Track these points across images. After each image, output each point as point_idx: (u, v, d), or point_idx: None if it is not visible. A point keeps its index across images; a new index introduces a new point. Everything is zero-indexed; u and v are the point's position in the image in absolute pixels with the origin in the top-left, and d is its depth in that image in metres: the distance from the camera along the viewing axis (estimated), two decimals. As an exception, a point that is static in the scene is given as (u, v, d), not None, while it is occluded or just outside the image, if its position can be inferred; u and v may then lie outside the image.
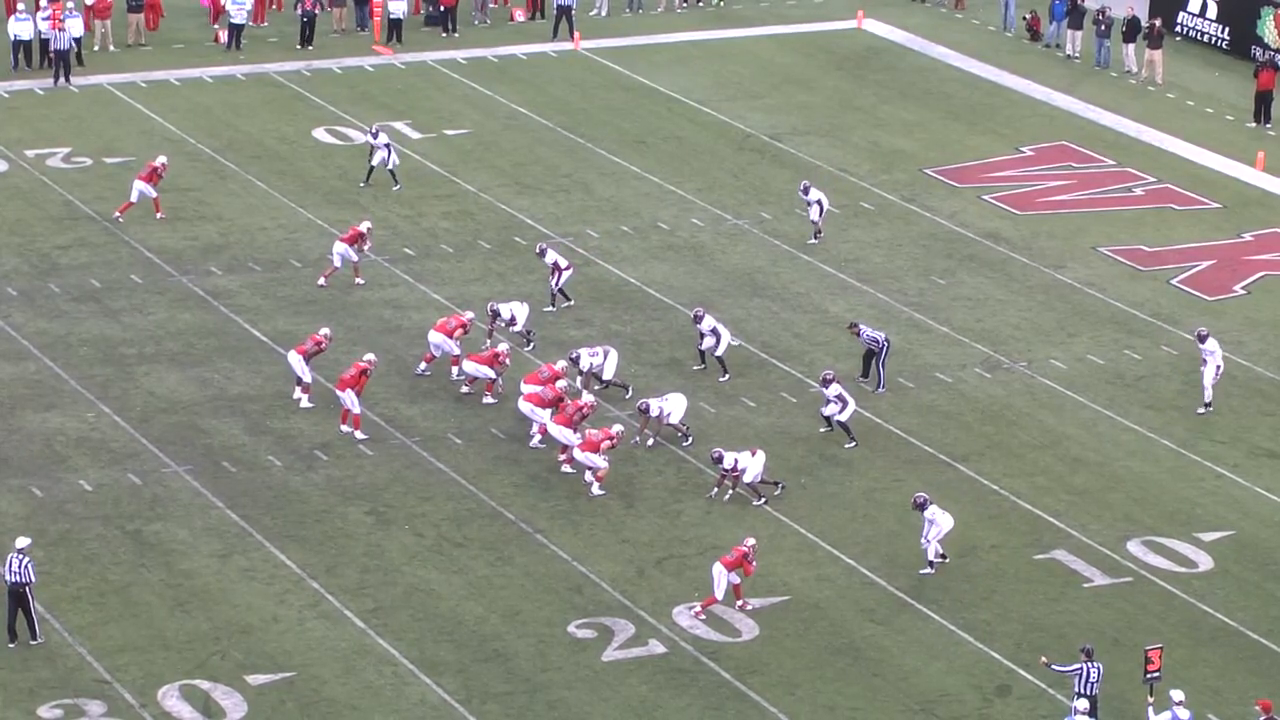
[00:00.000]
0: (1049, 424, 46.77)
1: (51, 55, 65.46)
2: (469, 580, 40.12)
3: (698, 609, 39.11)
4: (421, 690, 36.71)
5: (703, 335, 48.12)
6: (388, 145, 58.21)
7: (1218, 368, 47.12)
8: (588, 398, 44.68)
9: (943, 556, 40.75)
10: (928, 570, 40.69)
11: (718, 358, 48.13)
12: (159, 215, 55.21)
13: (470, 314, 48.22)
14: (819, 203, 55.16)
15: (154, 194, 55.21)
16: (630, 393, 46.33)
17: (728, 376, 48.03)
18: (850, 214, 57.42)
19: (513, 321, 48.64)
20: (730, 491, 42.88)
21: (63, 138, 61.12)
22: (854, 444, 45.14)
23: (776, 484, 43.14)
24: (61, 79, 65.03)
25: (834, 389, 45.23)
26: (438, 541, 41.40)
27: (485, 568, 40.53)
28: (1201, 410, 47.17)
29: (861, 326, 48.23)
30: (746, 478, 42.64)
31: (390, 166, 58.01)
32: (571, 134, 62.54)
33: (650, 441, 44.59)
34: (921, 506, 40.69)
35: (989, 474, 44.43)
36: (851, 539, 41.78)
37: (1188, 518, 43.07)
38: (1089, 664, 35.69)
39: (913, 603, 39.81)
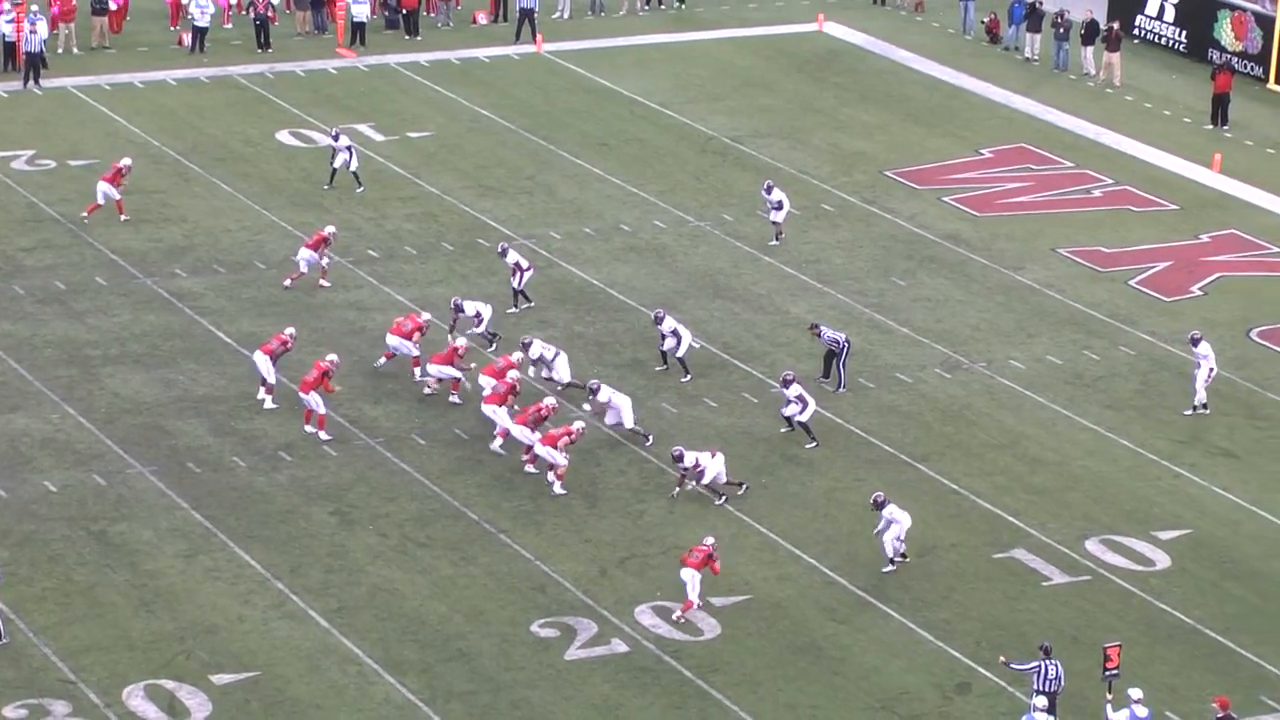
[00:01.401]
0: (1008, 424, 46.91)
1: (21, 58, 65.38)
2: (433, 580, 40.15)
3: (678, 614, 39.15)
4: (386, 689, 36.73)
5: (664, 336, 48.19)
6: (349, 148, 58.22)
7: (1211, 370, 47.24)
8: (549, 400, 44.69)
9: (903, 556, 40.87)
10: (890, 568, 40.81)
11: (679, 359, 48.22)
12: (123, 217, 55.19)
13: (427, 315, 48.26)
14: (781, 203, 55.31)
15: (118, 196, 55.19)
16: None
17: (689, 377, 48.12)
18: (811, 216, 57.53)
19: (478, 317, 48.64)
20: (690, 486, 42.96)
21: (27, 140, 61.08)
22: (815, 444, 45.25)
23: (740, 484, 43.22)
24: (31, 81, 64.94)
25: (794, 389, 45.34)
26: (401, 542, 41.43)
27: (449, 567, 40.57)
28: (1189, 412, 47.24)
29: (822, 328, 48.33)
30: (707, 478, 42.71)
31: (353, 169, 58.04)
32: (534, 136, 62.61)
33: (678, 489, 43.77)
34: (880, 505, 40.83)
35: (949, 474, 44.55)
36: (812, 538, 41.87)
37: (1145, 516, 43.21)
38: (1047, 661, 35.79)
39: (873, 601, 39.90)
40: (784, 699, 36.89)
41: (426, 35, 71.37)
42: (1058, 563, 41.42)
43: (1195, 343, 47.47)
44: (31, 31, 65.26)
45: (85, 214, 55.20)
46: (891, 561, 40.81)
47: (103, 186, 55.28)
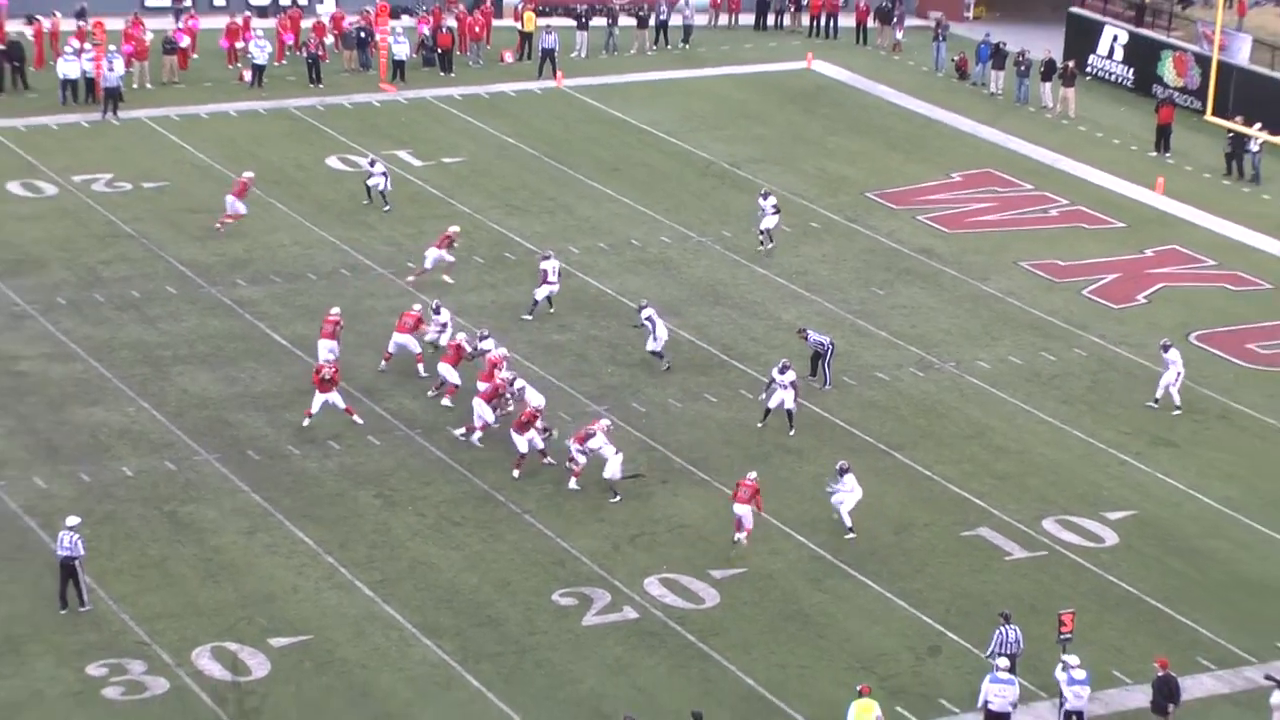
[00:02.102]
0: (975, 417, 47.02)
1: (100, 92, 65.58)
2: (465, 555, 40.29)
3: (742, 537, 40.07)
4: (423, 651, 36.88)
5: (643, 326, 48.47)
6: (384, 173, 58.40)
7: (1179, 373, 47.26)
8: (539, 399, 44.38)
9: (850, 530, 41.05)
10: (851, 535, 40.96)
11: (652, 352, 48.36)
12: (218, 226, 55.53)
13: (418, 306, 48.36)
14: (777, 208, 55.51)
15: (243, 210, 55.69)
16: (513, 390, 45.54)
17: (667, 366, 48.40)
18: (800, 232, 57.64)
19: (443, 329, 48.12)
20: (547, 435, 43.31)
21: (105, 165, 61.14)
22: (794, 432, 45.39)
23: (636, 475, 42.97)
24: (109, 113, 65.10)
25: (789, 375, 45.45)
26: (437, 521, 41.56)
27: (479, 544, 40.70)
28: (1153, 404, 47.40)
29: (809, 331, 48.44)
30: (609, 473, 42.31)
31: (383, 190, 58.11)
32: (555, 162, 62.69)
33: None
34: (842, 473, 41.04)
35: (922, 461, 44.67)
36: (801, 518, 41.97)
37: (1095, 499, 43.33)
38: (1007, 627, 35.92)
39: (854, 574, 40.03)
40: (775, 660, 37.03)
41: (459, 72, 71.44)
42: (1018, 540, 41.54)
43: (1166, 349, 47.57)
44: (110, 69, 65.39)
45: (218, 225, 55.71)
46: (850, 530, 40.95)
47: (230, 199, 55.75)
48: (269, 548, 40.20)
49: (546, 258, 51.67)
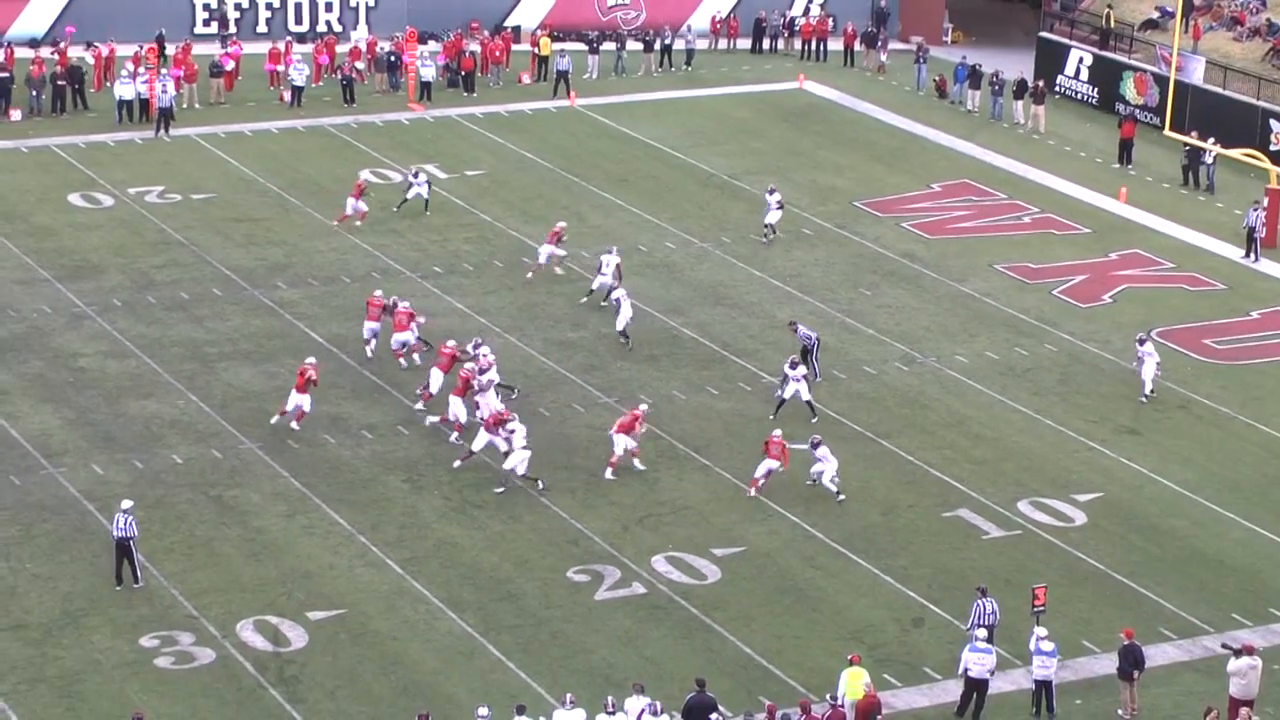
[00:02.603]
0: (954, 407, 46.77)
1: (154, 111, 65.47)
2: (487, 535, 40.09)
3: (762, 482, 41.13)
4: (449, 624, 36.70)
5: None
6: (427, 183, 58.28)
7: (1157, 363, 47.07)
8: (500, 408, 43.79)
9: (840, 494, 41.15)
10: (841, 498, 41.15)
11: (620, 332, 48.61)
12: (335, 223, 56.18)
13: (379, 292, 48.35)
14: (781, 204, 55.96)
15: (364, 207, 56.16)
16: (516, 393, 45.37)
17: (630, 345, 48.75)
18: (793, 238, 57.38)
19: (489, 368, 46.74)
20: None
21: (157, 178, 60.99)
22: (816, 419, 45.29)
23: (537, 480, 42.18)
24: (162, 130, 64.92)
25: (800, 370, 45.58)
26: (461, 504, 41.35)
27: (500, 525, 40.50)
28: (1144, 399, 47.05)
29: (799, 325, 48.18)
30: (509, 464, 41.73)
31: (425, 196, 58.09)
32: (568, 174, 62.46)
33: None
34: (815, 446, 40.91)
35: (906, 448, 44.43)
36: (795, 500, 41.74)
37: (1065, 482, 43.09)
38: (984, 600, 35.68)
39: (845, 551, 39.82)
40: (772, 631, 36.83)
41: (481, 92, 71.21)
42: (995, 520, 41.32)
43: (1141, 342, 47.39)
44: (163, 90, 65.21)
45: (336, 222, 56.33)
46: (839, 494, 40.84)
47: (351, 201, 56.00)
48: (307, 529, 40.00)
49: (608, 252, 52.04)
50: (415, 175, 58.81)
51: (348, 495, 41.41)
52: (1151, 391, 47.18)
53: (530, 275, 53.06)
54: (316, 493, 41.44)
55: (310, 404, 44.09)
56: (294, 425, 44.24)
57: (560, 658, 35.72)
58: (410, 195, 58.26)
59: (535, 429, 44.40)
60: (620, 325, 48.74)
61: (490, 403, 43.53)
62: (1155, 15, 73.85)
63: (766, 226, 56.25)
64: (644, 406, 43.51)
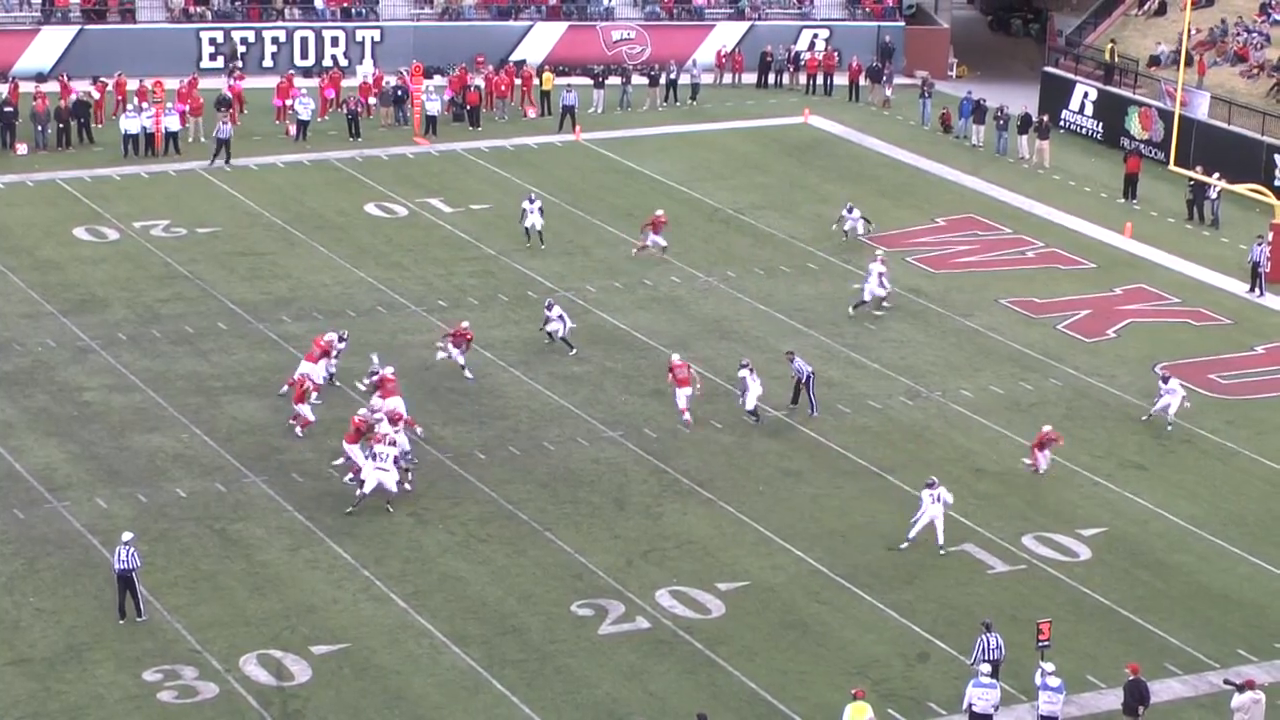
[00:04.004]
0: (959, 442, 46.74)
1: (160, 144, 65.83)
2: (491, 569, 40.04)
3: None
4: (452, 658, 36.64)
5: (549, 320, 50.19)
6: (540, 210, 58.68)
7: (1182, 397, 47.07)
8: (364, 412, 43.85)
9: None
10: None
11: (563, 339, 49.82)
12: (634, 253, 57.42)
13: (330, 335, 47.92)
14: (859, 220, 58.44)
15: (663, 242, 56.98)
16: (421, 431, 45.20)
17: (574, 351, 49.54)
18: (798, 272, 57.40)
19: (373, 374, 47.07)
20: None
21: (163, 212, 61.09)
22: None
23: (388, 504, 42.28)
24: (223, 161, 65.32)
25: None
26: (466, 538, 41.31)
27: (504, 559, 40.45)
28: (1147, 417, 47.68)
29: (796, 356, 48.14)
30: (369, 483, 41.76)
31: (538, 228, 58.41)
32: (573, 208, 62.52)
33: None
34: (1164, 379, 45.51)
35: (911, 482, 44.33)
36: (800, 535, 41.72)
37: (1071, 517, 43.03)
38: (988, 635, 35.62)
39: (850, 586, 39.76)
40: (777, 666, 36.76)
41: (486, 126, 71.35)
42: (1000, 555, 41.26)
43: (1165, 380, 47.34)
44: (224, 123, 65.94)
45: (634, 251, 57.22)
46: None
47: (651, 236, 56.94)
48: (311, 563, 39.96)
49: (875, 259, 54.28)
50: (531, 199, 59.12)
51: (352, 529, 41.36)
52: (1169, 425, 47.24)
53: (635, 252, 57.04)
54: (321, 526, 41.40)
55: (320, 375, 45.58)
56: (298, 431, 44.76)
57: (564, 692, 35.66)
58: (527, 224, 58.43)
59: (540, 462, 44.48)
60: (563, 332, 49.98)
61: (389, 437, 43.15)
62: (1159, 51, 73.97)
63: (845, 231, 58.85)
64: (676, 356, 45.74)
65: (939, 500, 41.15)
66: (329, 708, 34.91)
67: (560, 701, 35.36)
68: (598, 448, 45.42)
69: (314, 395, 45.98)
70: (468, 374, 48.51)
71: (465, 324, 49.51)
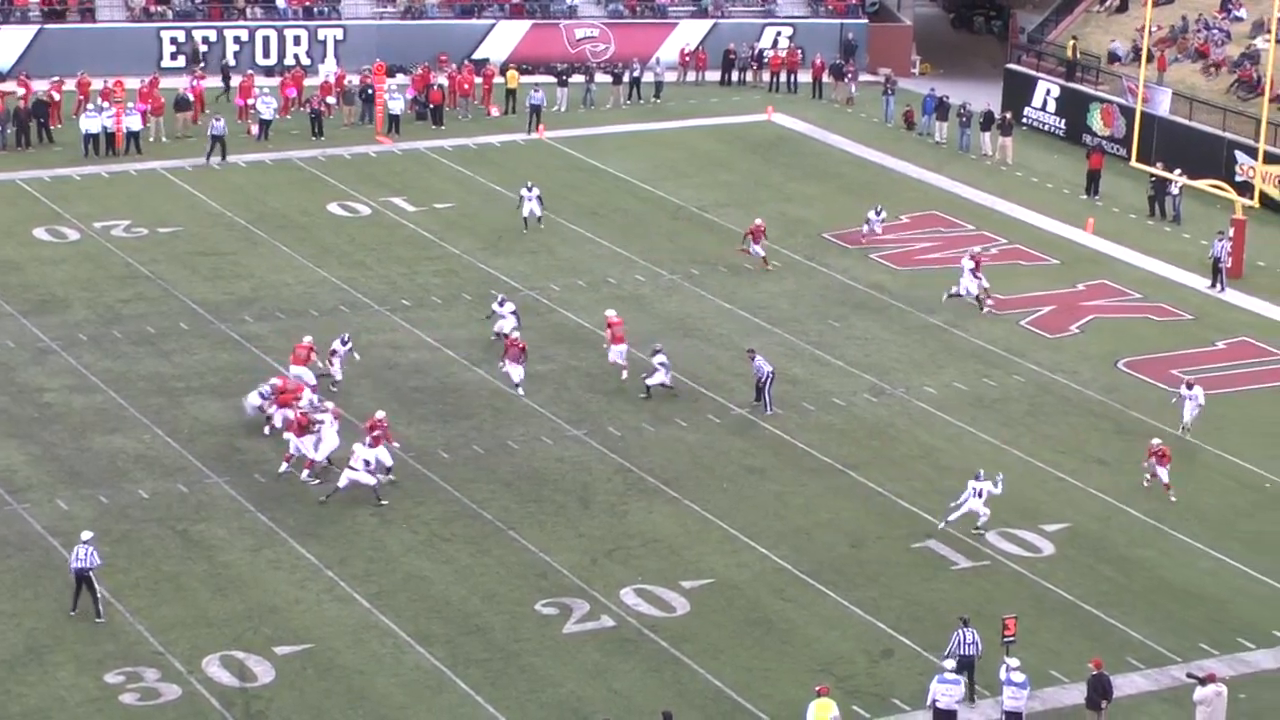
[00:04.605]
0: (923, 439, 46.80)
1: (120, 143, 65.91)
2: (455, 568, 39.99)
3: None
4: (416, 658, 36.58)
5: (498, 316, 50.04)
6: (538, 198, 59.46)
7: (1199, 406, 46.72)
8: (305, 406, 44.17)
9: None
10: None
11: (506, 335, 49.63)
12: (767, 268, 57.09)
13: (309, 338, 47.63)
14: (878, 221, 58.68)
15: (762, 251, 57.01)
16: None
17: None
18: (762, 270, 57.41)
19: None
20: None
21: (124, 212, 60.91)
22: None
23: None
24: (220, 158, 65.47)
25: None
26: (429, 537, 41.26)
27: (468, 558, 40.41)
28: (1182, 432, 46.81)
29: (757, 355, 48.14)
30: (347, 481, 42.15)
31: (538, 215, 59.28)
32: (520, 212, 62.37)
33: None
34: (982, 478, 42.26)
35: (875, 479, 44.43)
36: (765, 532, 41.74)
37: (1034, 513, 43.10)
38: (964, 630, 35.59)
39: (814, 583, 39.79)
40: (741, 664, 36.77)
41: (449, 125, 71.27)
42: (964, 551, 41.31)
43: (1190, 386, 47.02)
44: (216, 120, 66.21)
45: (735, 250, 57.37)
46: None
47: (752, 245, 56.90)
48: (273, 563, 39.86)
49: (966, 255, 55.34)
50: (529, 188, 59.71)
51: (315, 529, 41.27)
52: (1185, 430, 46.96)
53: (740, 249, 56.94)
54: (284, 527, 41.30)
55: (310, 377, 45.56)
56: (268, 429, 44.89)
57: (528, 691, 35.62)
58: (526, 213, 58.96)
59: (504, 461, 44.45)
60: (510, 330, 49.68)
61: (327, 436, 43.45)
62: (1114, 47, 74.16)
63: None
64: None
65: (979, 495, 41.38)
66: (292, 708, 34.81)
67: (525, 700, 35.32)
68: (562, 446, 45.39)
69: (312, 395, 45.21)
70: (520, 392, 47.58)
71: (517, 333, 48.67)
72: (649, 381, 47.72)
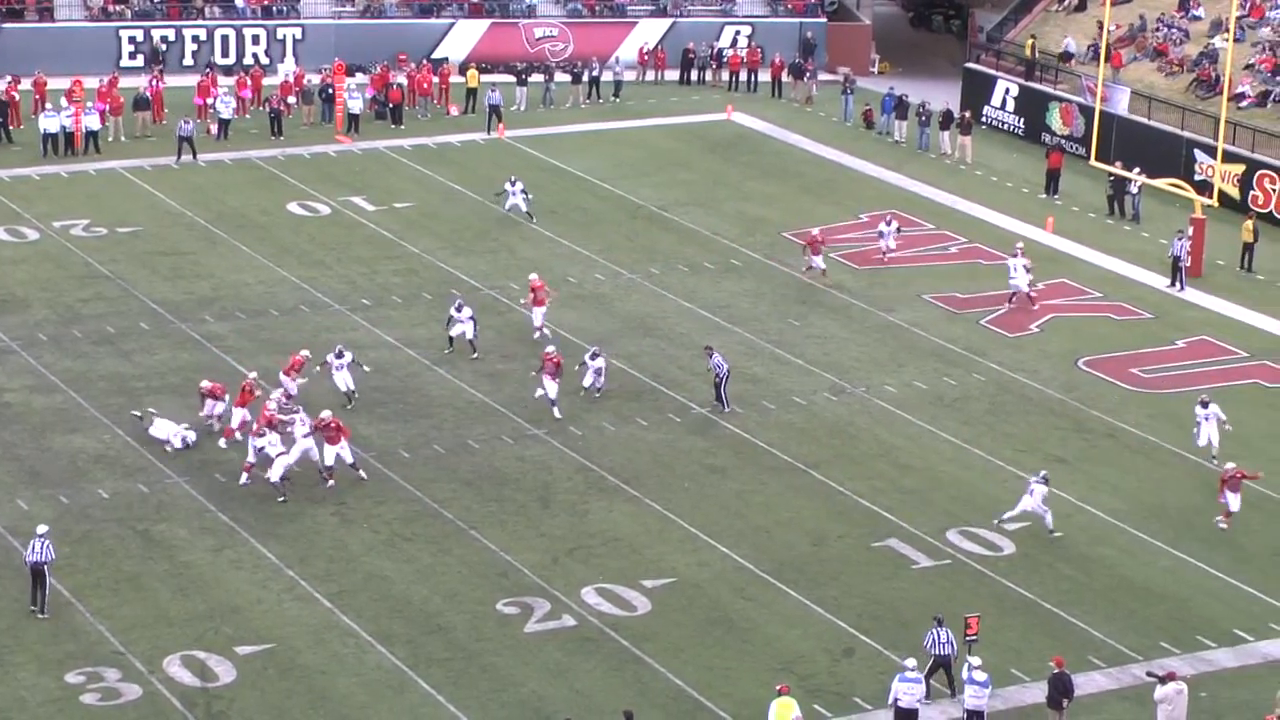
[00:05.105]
0: (883, 437, 46.89)
1: (79, 143, 65.72)
2: (416, 568, 39.94)
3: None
4: (378, 658, 36.53)
5: (455, 321, 49.92)
6: (524, 192, 60.14)
7: (1221, 420, 45.44)
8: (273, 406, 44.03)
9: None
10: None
11: (469, 341, 49.79)
12: (826, 281, 56.03)
13: (305, 351, 47.35)
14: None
15: (823, 265, 55.86)
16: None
17: (477, 355, 49.63)
18: (722, 269, 57.48)
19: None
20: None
21: (83, 212, 60.72)
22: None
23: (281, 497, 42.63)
24: (191, 157, 65.42)
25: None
26: (390, 537, 41.20)
27: (429, 558, 40.37)
28: (1214, 463, 44.86)
29: (715, 352, 48.15)
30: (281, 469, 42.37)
31: (525, 209, 59.88)
32: (497, 206, 62.36)
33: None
34: (1204, 405, 43.55)
35: (835, 478, 44.50)
36: (725, 531, 41.77)
37: (995, 511, 43.18)
38: (939, 629, 35.62)
39: (775, 582, 39.83)
40: (703, 662, 36.79)
41: (409, 124, 71.19)
42: (924, 550, 41.40)
43: (1205, 405, 45.73)
44: (184, 122, 66.12)
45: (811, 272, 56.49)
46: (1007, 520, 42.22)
47: (808, 258, 56.11)
48: (234, 563, 39.78)
49: (1015, 255, 55.15)
50: (513, 182, 60.20)
51: (276, 529, 41.20)
52: (1215, 457, 45.11)
53: (823, 279, 55.98)
54: (244, 526, 41.22)
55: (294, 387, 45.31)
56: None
57: (490, 691, 35.60)
58: (508, 206, 59.53)
59: (465, 461, 44.41)
60: (470, 334, 49.86)
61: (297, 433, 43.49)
62: (1067, 45, 74.43)
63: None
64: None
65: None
66: (254, 708, 34.75)
67: (486, 700, 35.31)
68: (522, 445, 45.38)
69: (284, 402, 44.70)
70: (557, 413, 46.73)
71: (552, 347, 47.92)
72: (584, 382, 47.52)
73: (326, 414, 43.61)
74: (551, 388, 46.78)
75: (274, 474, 42.27)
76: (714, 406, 47.47)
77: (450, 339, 50.28)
